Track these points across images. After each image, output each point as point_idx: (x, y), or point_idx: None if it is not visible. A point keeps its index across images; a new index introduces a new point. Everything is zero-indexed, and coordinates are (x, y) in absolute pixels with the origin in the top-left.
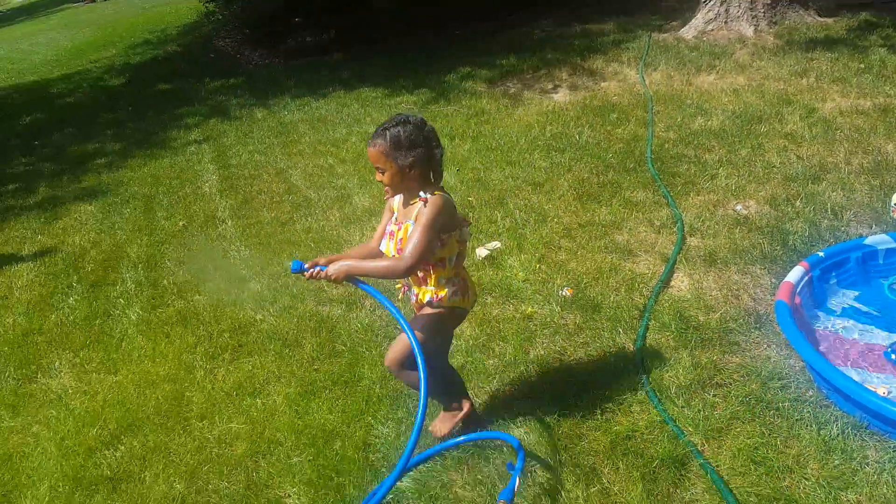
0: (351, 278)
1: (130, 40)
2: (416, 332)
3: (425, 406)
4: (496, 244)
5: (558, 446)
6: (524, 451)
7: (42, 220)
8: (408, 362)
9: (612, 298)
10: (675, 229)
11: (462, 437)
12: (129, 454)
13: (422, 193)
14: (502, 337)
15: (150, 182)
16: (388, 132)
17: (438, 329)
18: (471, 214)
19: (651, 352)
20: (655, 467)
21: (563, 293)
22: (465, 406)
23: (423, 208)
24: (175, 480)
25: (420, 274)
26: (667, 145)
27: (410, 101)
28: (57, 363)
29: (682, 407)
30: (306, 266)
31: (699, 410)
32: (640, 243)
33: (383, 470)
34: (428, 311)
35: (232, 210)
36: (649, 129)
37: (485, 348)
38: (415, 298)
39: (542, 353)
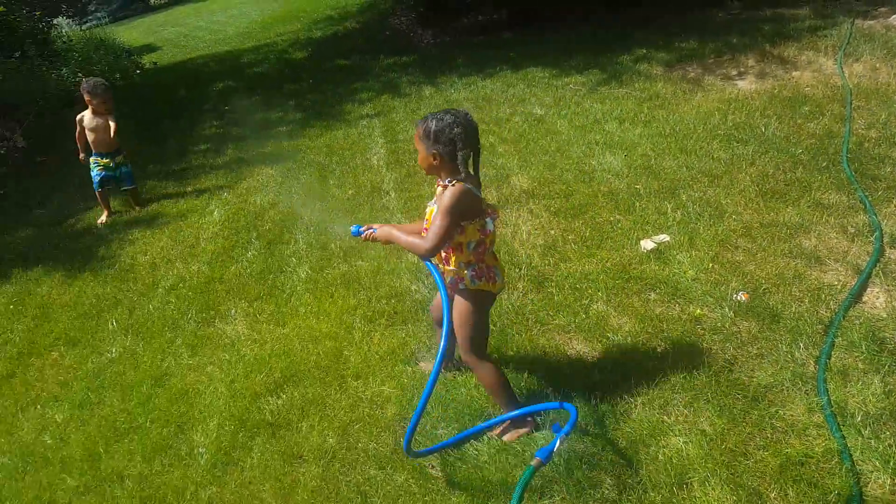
0: (392, 243)
1: (314, 16)
2: (451, 317)
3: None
4: (664, 237)
5: (719, 461)
6: (576, 420)
7: (228, 179)
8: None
9: (793, 309)
10: (871, 238)
11: (525, 409)
12: (290, 403)
13: (446, 181)
14: (664, 337)
15: (324, 151)
16: (425, 122)
17: (470, 311)
18: (636, 204)
19: (835, 372)
20: (832, 502)
21: (738, 297)
22: (529, 426)
23: (443, 194)
24: (328, 434)
25: (443, 254)
26: (866, 144)
27: (579, 82)
28: (233, 311)
29: (869, 439)
30: (362, 229)
31: (890, 445)
32: (829, 251)
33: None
34: (458, 297)
35: (396, 183)
36: (847, 125)
37: (645, 347)
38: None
39: (709, 359)
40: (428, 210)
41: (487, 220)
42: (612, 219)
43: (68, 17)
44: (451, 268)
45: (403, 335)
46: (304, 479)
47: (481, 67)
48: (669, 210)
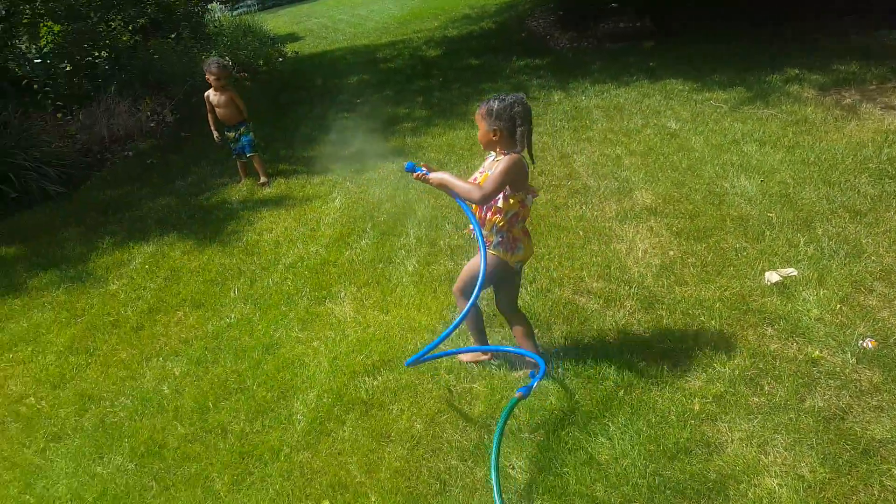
0: (444, 188)
1: (452, 14)
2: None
3: (473, 303)
4: (792, 271)
5: None
6: (545, 371)
7: (352, 169)
8: (466, 292)
9: None
10: None
11: (504, 348)
12: (384, 386)
13: (504, 153)
14: (776, 376)
15: (445, 149)
16: (488, 102)
17: (493, 266)
18: (767, 232)
19: None
20: None
21: (864, 344)
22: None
23: (501, 160)
24: (417, 420)
25: (484, 214)
26: None
27: (721, 99)
28: (342, 293)
29: None
30: (420, 167)
31: None
32: None
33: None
34: (490, 253)
35: None
36: None
37: (752, 383)
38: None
39: (821, 405)
40: (476, 176)
41: (528, 196)
42: (737, 245)
43: (221, 2)
44: (485, 231)
45: (500, 337)
46: (388, 458)
47: (617, 75)
48: (802, 243)
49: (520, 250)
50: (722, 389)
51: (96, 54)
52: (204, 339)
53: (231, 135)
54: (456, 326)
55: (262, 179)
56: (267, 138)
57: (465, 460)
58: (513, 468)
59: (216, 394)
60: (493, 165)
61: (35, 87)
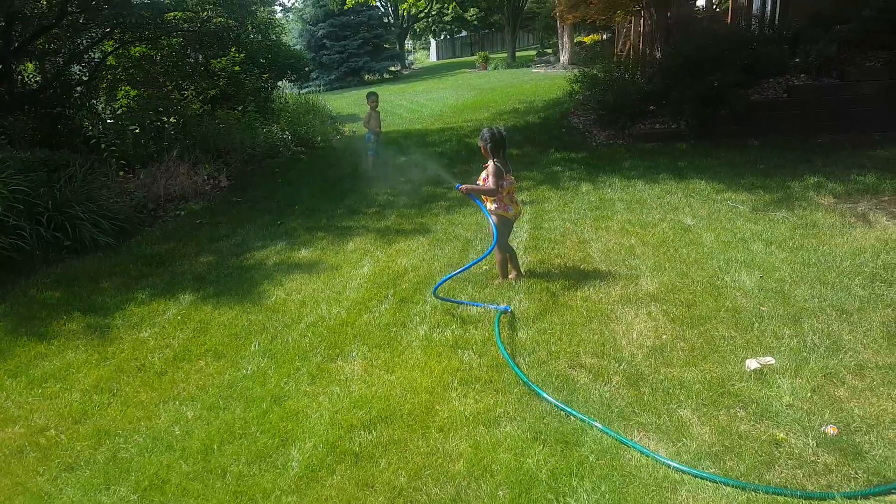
0: (471, 194)
1: (502, 107)
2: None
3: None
4: (770, 360)
5: None
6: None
7: (384, 240)
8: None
9: (881, 451)
10: None
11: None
12: (377, 440)
13: (491, 160)
14: (738, 453)
15: (473, 228)
16: (483, 131)
17: (499, 222)
18: (756, 324)
19: None
20: None
21: (827, 430)
22: (512, 275)
23: (489, 165)
24: (402, 473)
25: (488, 198)
26: None
27: (739, 199)
28: (354, 352)
29: None
30: (460, 186)
31: None
32: None
33: None
34: (492, 216)
35: (528, 269)
36: None
37: (716, 457)
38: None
39: (777, 481)
40: (483, 176)
41: (504, 182)
42: (726, 334)
43: (291, 80)
44: (488, 205)
45: (492, 402)
46: None
47: (645, 172)
48: (787, 336)
49: (510, 209)
50: (686, 460)
51: (165, 119)
52: (220, 387)
53: (370, 143)
54: (478, 261)
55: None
56: (311, 208)
57: None
58: None
59: (222, 438)
60: (485, 170)
61: (103, 146)
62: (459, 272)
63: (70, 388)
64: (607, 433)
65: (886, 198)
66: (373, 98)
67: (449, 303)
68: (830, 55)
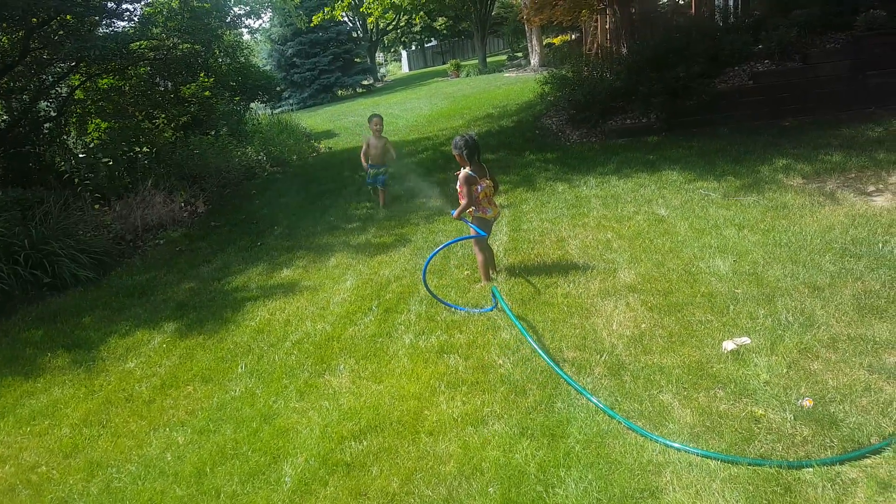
0: (459, 217)
1: (476, 113)
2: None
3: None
4: (745, 340)
5: None
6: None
7: (366, 253)
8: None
9: (854, 419)
10: None
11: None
12: (367, 449)
13: (462, 170)
14: (719, 432)
15: (454, 236)
16: (456, 139)
17: (478, 223)
18: (731, 307)
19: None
20: None
21: (803, 403)
22: (484, 282)
23: (459, 176)
24: (394, 479)
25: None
26: None
27: (711, 187)
28: (342, 366)
29: None
30: (454, 213)
31: None
32: None
33: None
34: (471, 221)
35: (509, 270)
36: None
37: (697, 437)
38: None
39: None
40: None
41: (479, 186)
42: (703, 319)
43: (263, 101)
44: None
45: (479, 403)
46: None
47: (618, 167)
48: (761, 316)
49: (488, 211)
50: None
51: (137, 149)
52: (209, 410)
53: (372, 171)
54: (453, 242)
55: (381, 206)
56: (291, 227)
57: None
58: None
59: (214, 460)
60: (455, 180)
61: (76, 181)
62: (441, 249)
63: (59, 423)
64: (646, 436)
65: (853, 175)
66: (376, 121)
67: (437, 300)
68: (791, 40)
